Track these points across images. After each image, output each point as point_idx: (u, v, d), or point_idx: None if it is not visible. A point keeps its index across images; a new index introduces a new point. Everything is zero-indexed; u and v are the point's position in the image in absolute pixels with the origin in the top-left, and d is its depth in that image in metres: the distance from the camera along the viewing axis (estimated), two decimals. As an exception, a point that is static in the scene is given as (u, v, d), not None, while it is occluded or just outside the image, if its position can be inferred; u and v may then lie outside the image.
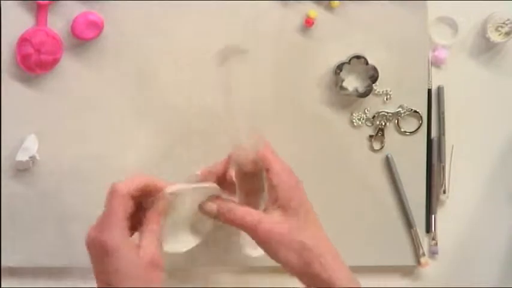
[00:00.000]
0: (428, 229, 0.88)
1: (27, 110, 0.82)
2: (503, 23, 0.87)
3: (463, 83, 0.89)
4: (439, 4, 0.87)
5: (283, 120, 0.85)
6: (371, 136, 0.87)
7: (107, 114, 0.83)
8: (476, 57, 0.89)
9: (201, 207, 0.72)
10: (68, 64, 0.82)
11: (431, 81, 0.88)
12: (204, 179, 0.73)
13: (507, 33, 0.88)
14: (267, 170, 0.70)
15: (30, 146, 0.81)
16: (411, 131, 0.87)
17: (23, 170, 0.81)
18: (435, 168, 0.88)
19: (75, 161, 0.82)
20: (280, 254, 0.68)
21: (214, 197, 0.72)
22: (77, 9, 0.81)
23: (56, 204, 0.82)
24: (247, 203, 0.72)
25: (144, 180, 0.68)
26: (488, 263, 0.90)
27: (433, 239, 0.88)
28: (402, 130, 0.87)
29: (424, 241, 0.88)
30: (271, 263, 0.70)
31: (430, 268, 0.88)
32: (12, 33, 0.80)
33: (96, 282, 0.65)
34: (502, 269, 0.90)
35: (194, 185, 0.71)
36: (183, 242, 0.74)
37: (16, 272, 0.83)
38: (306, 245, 0.68)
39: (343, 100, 0.86)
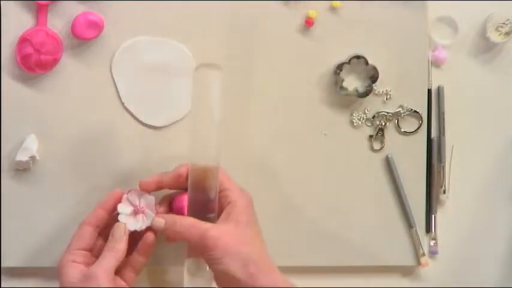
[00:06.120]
0: (428, 229, 0.88)
1: (27, 110, 0.81)
2: (503, 23, 0.87)
3: (463, 83, 0.89)
4: (439, 4, 0.87)
5: (283, 120, 0.85)
6: (371, 136, 0.87)
7: (107, 114, 0.83)
8: (476, 57, 0.89)
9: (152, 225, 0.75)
10: (68, 64, 0.82)
11: (431, 81, 0.88)
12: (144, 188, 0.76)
13: (507, 33, 0.88)
14: (226, 189, 0.74)
15: (30, 146, 0.80)
16: (411, 131, 0.87)
17: (23, 170, 0.81)
18: (435, 168, 0.88)
19: (75, 161, 0.82)
20: (224, 263, 0.69)
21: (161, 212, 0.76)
22: (77, 9, 0.81)
23: (56, 204, 0.82)
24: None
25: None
26: (488, 263, 0.90)
27: (433, 239, 0.88)
28: (402, 130, 0.87)
29: (424, 241, 0.88)
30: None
31: (430, 268, 0.88)
32: (12, 33, 0.80)
33: None
34: (502, 269, 0.90)
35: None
36: None
37: (16, 272, 0.83)
38: (252, 258, 0.70)
39: (343, 100, 0.86)
